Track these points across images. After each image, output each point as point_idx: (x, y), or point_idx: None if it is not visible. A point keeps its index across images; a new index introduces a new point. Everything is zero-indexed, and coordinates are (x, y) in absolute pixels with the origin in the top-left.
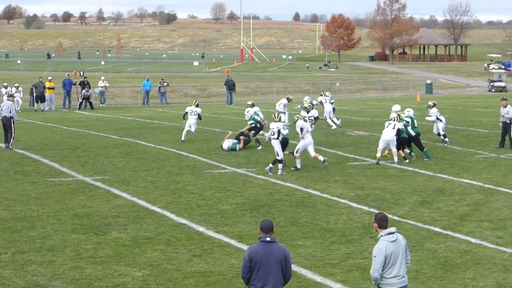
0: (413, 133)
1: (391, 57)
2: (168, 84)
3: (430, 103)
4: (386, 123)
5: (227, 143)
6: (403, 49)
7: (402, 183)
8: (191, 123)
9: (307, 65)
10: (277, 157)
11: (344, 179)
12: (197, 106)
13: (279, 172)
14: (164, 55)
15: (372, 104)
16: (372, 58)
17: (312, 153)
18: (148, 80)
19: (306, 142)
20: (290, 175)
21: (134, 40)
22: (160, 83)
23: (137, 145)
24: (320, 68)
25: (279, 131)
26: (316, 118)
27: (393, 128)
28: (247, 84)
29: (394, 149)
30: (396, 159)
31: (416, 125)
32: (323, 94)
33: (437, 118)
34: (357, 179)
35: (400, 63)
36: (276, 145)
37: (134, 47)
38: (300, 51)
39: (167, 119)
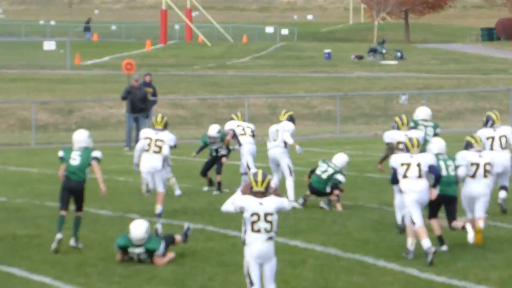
0: None
1: None
2: None
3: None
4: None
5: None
6: None
7: None
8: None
9: (327, 51)
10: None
11: None
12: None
13: None
14: None
15: None
16: (488, 35)
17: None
18: None
19: None
20: None
21: None
22: None
23: None
24: (361, 58)
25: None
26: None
27: (419, 176)
28: (180, 97)
29: (436, 224)
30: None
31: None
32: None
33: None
34: None
35: None
36: None
37: None
38: (309, 17)
39: None
